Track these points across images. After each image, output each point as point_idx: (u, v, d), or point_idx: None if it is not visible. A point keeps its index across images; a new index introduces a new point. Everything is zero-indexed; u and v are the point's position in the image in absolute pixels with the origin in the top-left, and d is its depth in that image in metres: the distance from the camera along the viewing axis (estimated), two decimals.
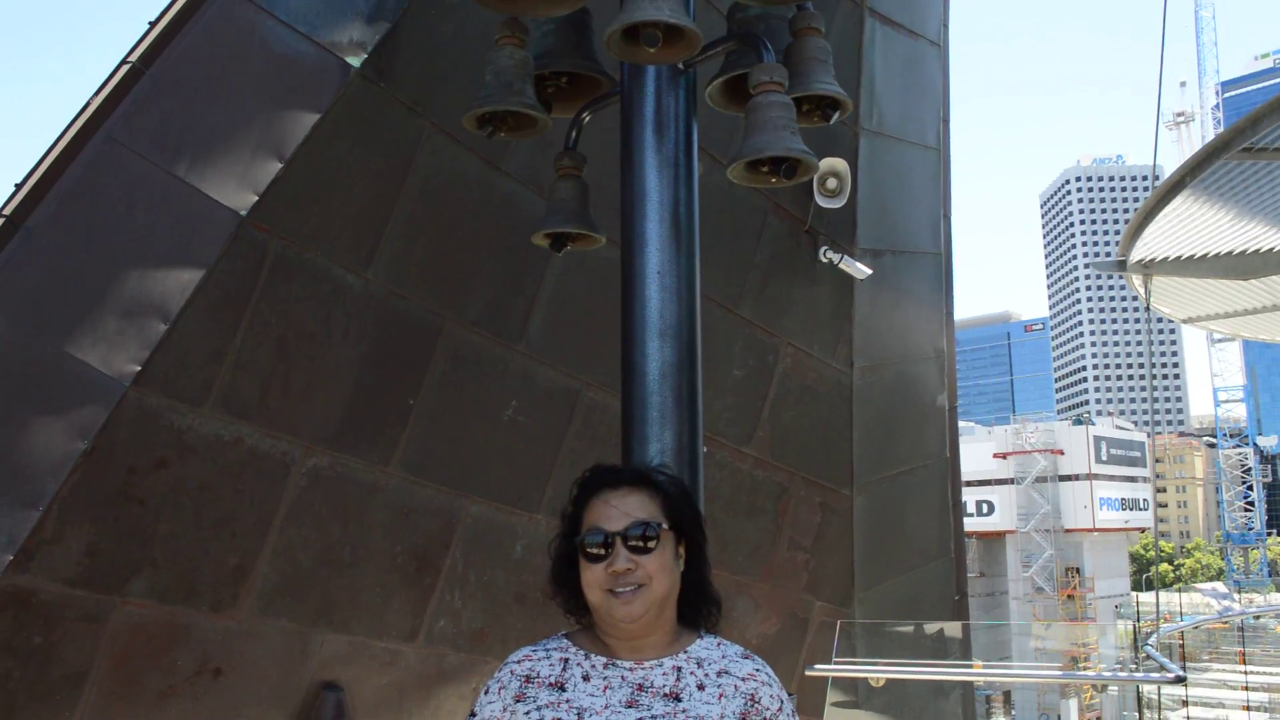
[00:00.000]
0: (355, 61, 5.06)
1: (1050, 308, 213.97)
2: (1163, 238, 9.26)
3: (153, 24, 4.59)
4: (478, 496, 5.89)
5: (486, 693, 2.23)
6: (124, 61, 4.55)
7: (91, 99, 4.53)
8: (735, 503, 7.38)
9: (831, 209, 7.25)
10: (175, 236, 4.67)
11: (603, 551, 2.19)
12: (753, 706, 2.17)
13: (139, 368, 4.49)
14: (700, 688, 2.15)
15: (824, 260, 7.51)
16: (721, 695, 2.15)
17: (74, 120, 4.53)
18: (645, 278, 3.26)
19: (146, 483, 4.64)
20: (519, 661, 2.23)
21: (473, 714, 2.23)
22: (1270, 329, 12.77)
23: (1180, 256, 9.80)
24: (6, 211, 4.38)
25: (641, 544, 2.20)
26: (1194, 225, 8.96)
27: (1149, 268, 9.76)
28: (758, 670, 2.23)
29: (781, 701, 2.22)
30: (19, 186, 4.48)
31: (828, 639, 8.33)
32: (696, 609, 2.33)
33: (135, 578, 4.65)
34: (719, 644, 2.29)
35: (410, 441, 5.53)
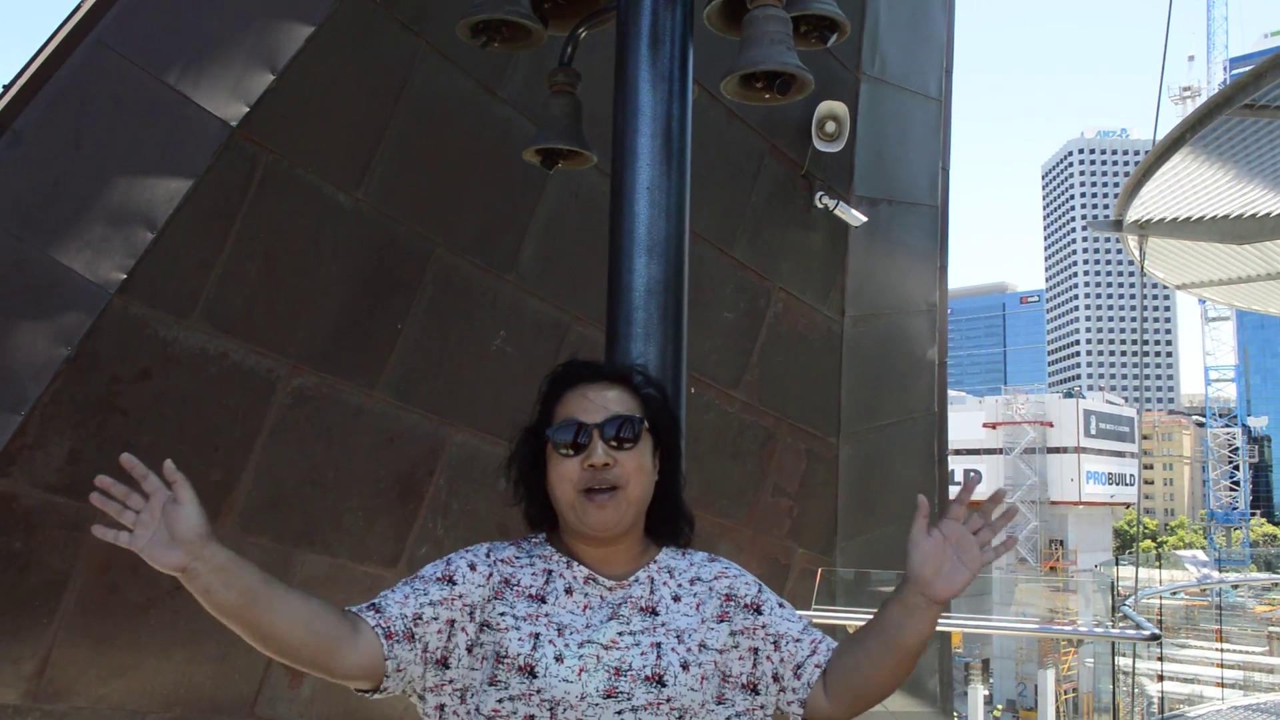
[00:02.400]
0: None
1: (1046, 280, 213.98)
2: (1160, 197, 9.21)
3: None
4: (463, 425, 5.89)
5: (468, 553, 2.08)
6: None
7: (82, 2, 4.46)
8: (721, 446, 7.40)
9: (829, 154, 7.20)
10: (164, 145, 4.62)
11: (573, 451, 2.03)
12: (729, 603, 2.09)
13: (124, 276, 4.46)
14: (676, 599, 2.06)
15: (819, 206, 7.47)
16: (698, 604, 2.07)
17: (64, 23, 4.46)
18: (635, 193, 3.23)
19: (130, 392, 4.62)
20: (504, 561, 2.08)
21: (449, 562, 2.06)
22: (1264, 298, 12.76)
23: (1177, 218, 9.76)
24: None
25: (620, 440, 2.04)
26: (1192, 185, 8.91)
27: (1145, 229, 9.71)
28: (726, 568, 2.15)
29: (759, 585, 2.14)
30: (7, 88, 4.42)
31: (808, 586, 8.39)
32: (668, 524, 2.19)
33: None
34: (684, 552, 2.18)
35: (397, 366, 5.52)
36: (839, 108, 6.99)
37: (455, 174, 5.66)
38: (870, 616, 2.08)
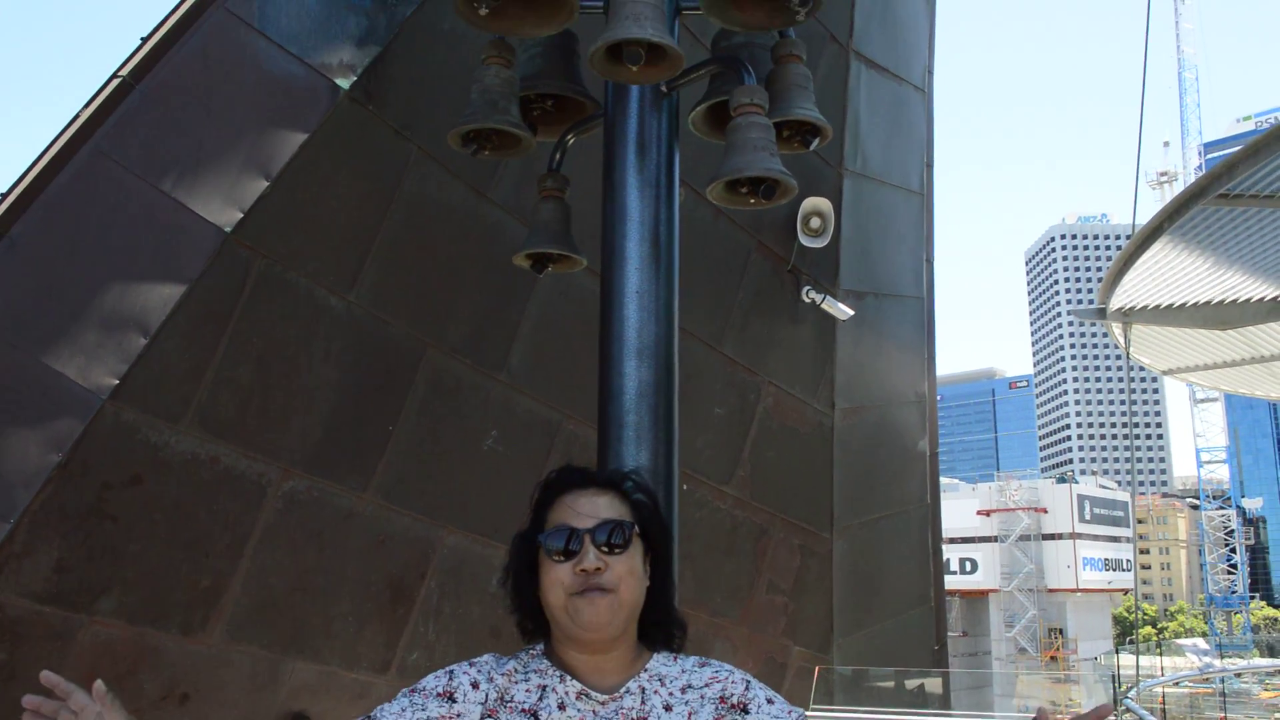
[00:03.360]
0: (345, 83, 5.11)
1: (1035, 365, 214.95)
2: (1142, 285, 9.34)
3: (145, 39, 4.63)
4: (455, 526, 5.85)
5: (472, 668, 2.08)
6: (115, 75, 4.58)
7: (81, 111, 4.55)
8: (714, 542, 7.35)
9: (815, 249, 7.30)
10: (159, 250, 4.67)
11: (565, 557, 2.06)
12: (723, 706, 2.07)
13: (117, 381, 4.47)
14: (667, 708, 2.05)
15: (806, 300, 7.55)
16: (690, 713, 2.05)
17: (63, 132, 4.54)
18: (624, 297, 3.27)
19: (120, 499, 4.60)
20: (504, 675, 2.08)
21: (451, 675, 2.07)
22: (1249, 382, 12.85)
23: (1160, 305, 9.89)
24: None
25: (611, 545, 2.07)
26: (1173, 273, 9.05)
27: (1128, 316, 9.82)
28: (717, 671, 2.14)
29: (747, 682, 2.13)
30: (4, 195, 4.48)
31: (806, 684, 8.26)
32: (660, 629, 2.20)
33: (104, 596, 4.59)
34: (675, 658, 2.17)
35: (388, 468, 5.51)
36: (823, 204, 7.12)
37: (446, 275, 5.73)
38: (870, 716, 2.08)
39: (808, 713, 8.18)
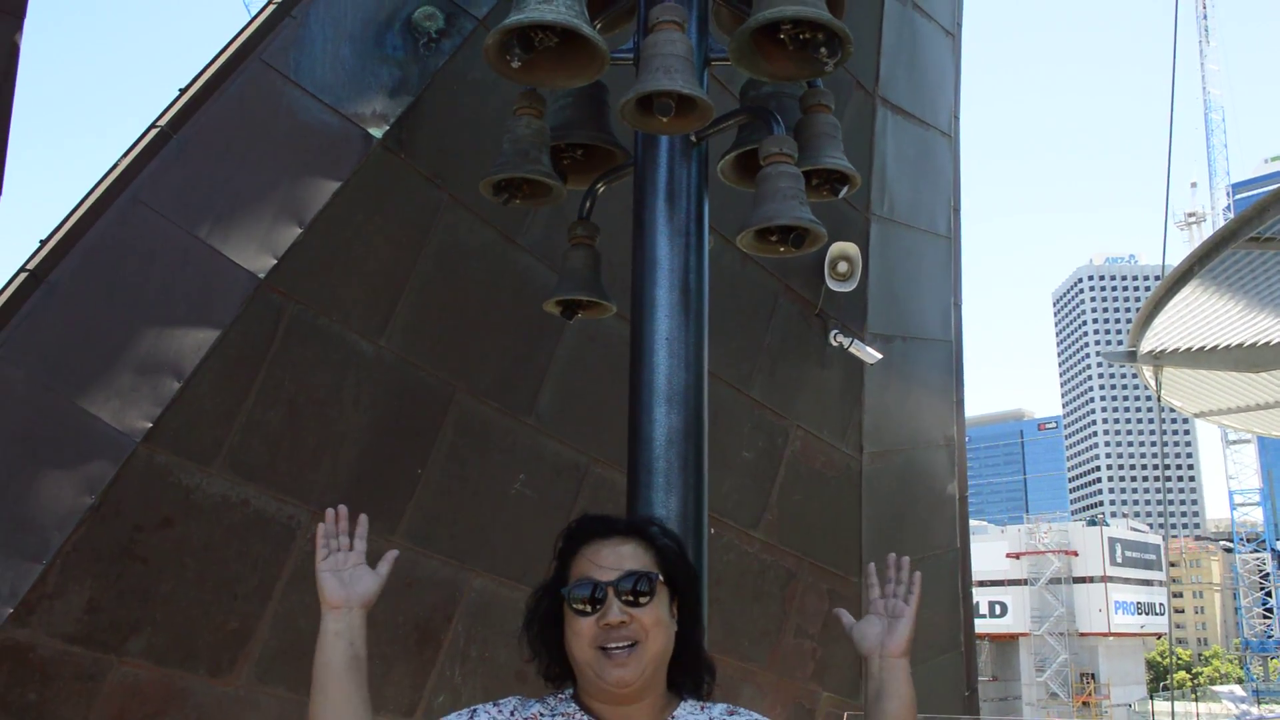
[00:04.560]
0: (377, 132, 5.19)
1: (1064, 406, 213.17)
2: (1172, 328, 9.28)
3: (182, 90, 4.73)
4: (482, 570, 5.85)
5: (493, 708, 2.11)
6: (153, 125, 4.67)
7: (120, 160, 4.64)
8: (742, 587, 7.31)
9: (842, 293, 7.31)
10: (193, 296, 4.74)
11: (591, 607, 2.03)
12: None
13: (150, 424, 4.52)
14: None
15: (834, 344, 7.55)
16: None
17: (101, 180, 4.64)
18: (654, 344, 3.29)
19: (151, 541, 4.64)
20: (529, 714, 2.08)
21: (474, 714, 2.10)
22: None
23: (1190, 348, 9.81)
24: (30, 266, 4.47)
25: (636, 596, 2.04)
26: (1203, 316, 8.99)
27: (1159, 359, 9.75)
28: (742, 718, 2.13)
29: None
30: (44, 242, 4.57)
31: None
32: (689, 675, 2.18)
33: (134, 637, 4.62)
34: (703, 707, 2.15)
35: (416, 511, 5.52)
36: (850, 248, 7.14)
37: (475, 320, 5.77)
38: None
39: None
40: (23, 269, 4.49)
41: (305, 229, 4.94)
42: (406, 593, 5.55)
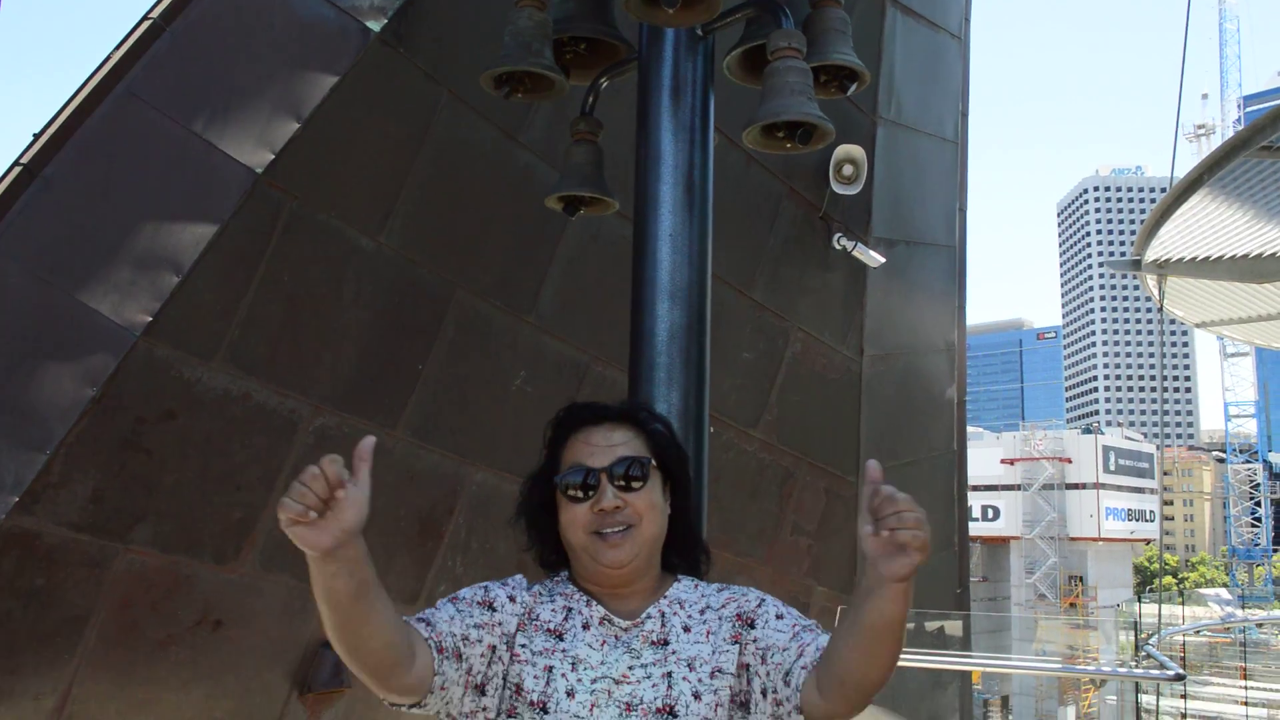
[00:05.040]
0: (375, 26, 5.08)
1: (1063, 316, 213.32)
2: (1179, 237, 9.22)
3: None
4: (482, 464, 5.91)
5: (508, 584, 2.10)
6: (146, 17, 4.57)
7: (112, 53, 4.55)
8: (740, 485, 7.39)
9: (847, 196, 7.24)
10: (190, 191, 4.69)
11: (584, 493, 2.04)
12: (739, 624, 2.05)
13: (150, 318, 4.51)
14: (686, 629, 2.05)
15: (837, 247, 7.51)
16: (709, 632, 2.05)
17: (94, 73, 4.55)
18: (657, 240, 3.26)
19: (154, 433, 4.67)
20: (532, 595, 2.09)
21: (487, 590, 2.07)
22: None
23: (1196, 258, 9.76)
24: (24, 160, 4.41)
25: (629, 481, 2.05)
26: (1210, 225, 8.92)
27: (1164, 268, 9.71)
28: (733, 592, 2.13)
29: (761, 599, 2.09)
30: (37, 136, 4.51)
31: (828, 624, 8.30)
32: (685, 557, 2.21)
33: (139, 525, 4.68)
34: (696, 585, 2.16)
35: (417, 406, 5.56)
36: (856, 151, 7.04)
37: (476, 218, 5.73)
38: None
39: None
40: (16, 163, 4.43)
41: (303, 124, 4.86)
42: (408, 486, 5.62)
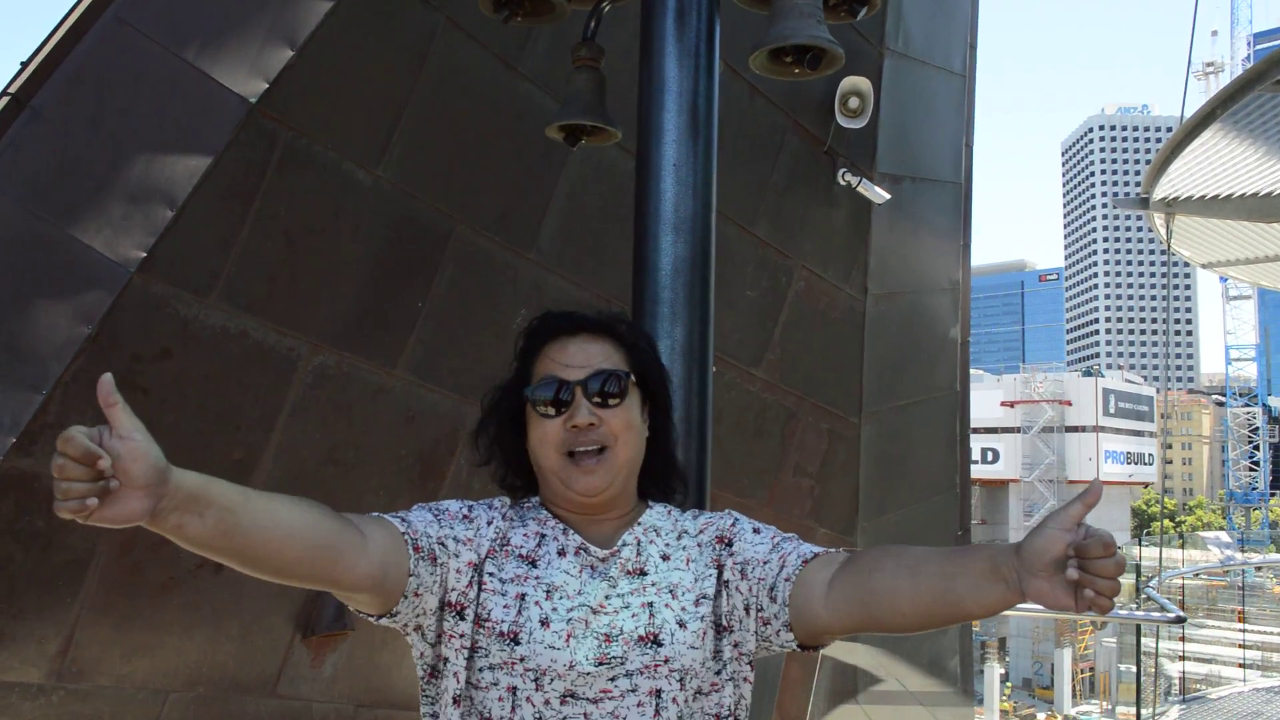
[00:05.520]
0: None
1: (1066, 258, 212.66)
2: (1188, 175, 9.07)
3: None
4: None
5: (491, 508, 1.97)
6: None
7: None
8: (742, 425, 7.35)
9: (852, 130, 7.10)
10: (183, 122, 4.58)
11: (556, 409, 1.90)
12: (718, 547, 1.94)
13: (144, 254, 4.43)
14: (664, 558, 1.93)
15: (842, 183, 7.38)
16: (689, 560, 1.93)
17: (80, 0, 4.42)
18: (661, 170, 3.18)
19: (151, 371, 4.61)
20: (505, 518, 1.95)
21: (470, 508, 1.96)
22: None
23: (1204, 196, 9.63)
24: (12, 90, 4.30)
25: (605, 397, 1.91)
26: (1220, 162, 8.78)
27: (1172, 206, 9.58)
28: (709, 517, 2.01)
29: (735, 519, 1.99)
30: (25, 65, 4.39)
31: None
32: (660, 484, 2.07)
33: None
34: (669, 510, 2.04)
35: (417, 344, 5.49)
36: (862, 83, 6.90)
37: (475, 151, 5.61)
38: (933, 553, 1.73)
39: None
40: (4, 92, 4.32)
41: (297, 52, 4.73)
42: (409, 426, 5.57)
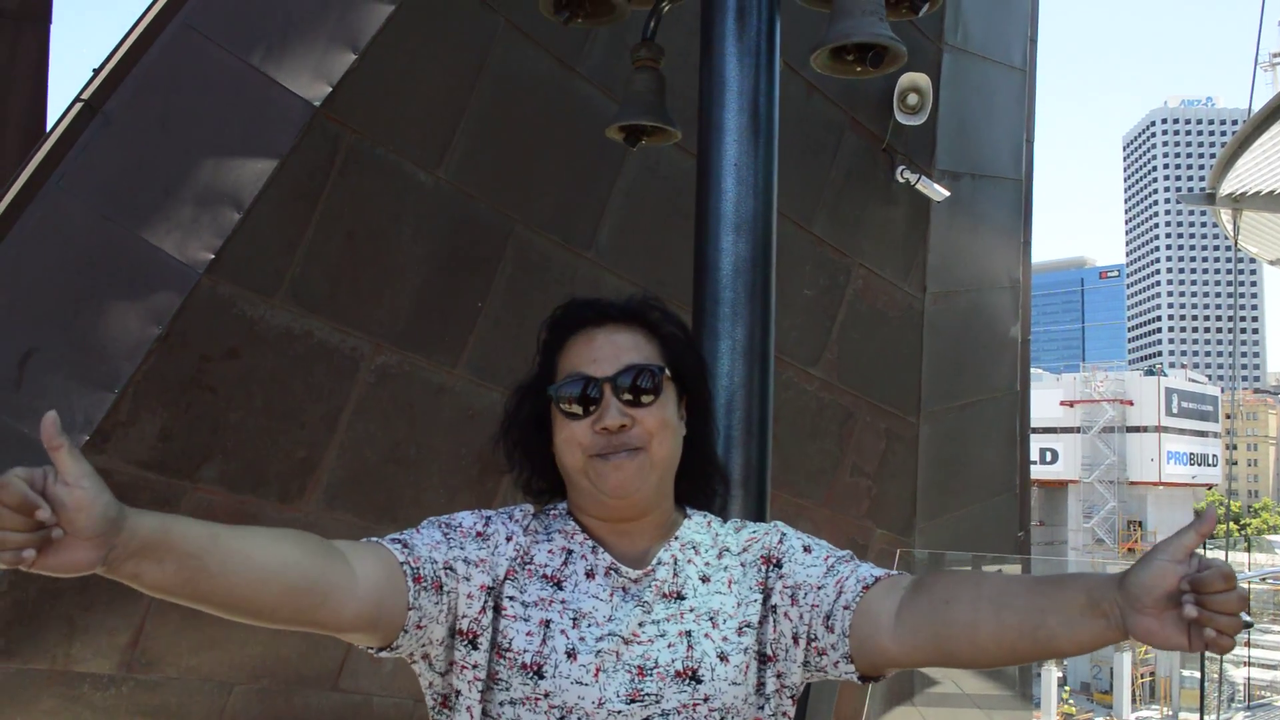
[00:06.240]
0: None
1: (1127, 254, 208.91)
2: (1256, 170, 8.84)
3: None
4: None
5: (509, 522, 1.75)
6: None
7: None
8: (799, 424, 7.32)
9: (910, 126, 7.04)
10: (249, 125, 4.67)
11: (584, 409, 1.69)
12: (765, 568, 1.74)
13: (212, 256, 4.52)
14: (704, 579, 1.73)
15: (900, 180, 7.32)
16: (730, 581, 1.73)
17: (151, 6, 4.52)
18: (721, 170, 3.17)
19: (218, 371, 4.70)
20: (527, 532, 1.75)
21: (488, 522, 1.74)
22: None
23: (1274, 191, 9.40)
24: (85, 96, 4.41)
25: (637, 395, 1.70)
26: None
27: (1239, 202, 9.35)
28: (753, 532, 1.81)
29: (783, 534, 1.78)
30: (97, 72, 4.50)
31: (886, 567, 8.29)
32: (699, 485, 1.87)
33: (206, 464, 4.74)
34: (708, 521, 1.84)
35: (477, 344, 5.54)
36: (921, 79, 6.83)
37: (534, 151, 5.65)
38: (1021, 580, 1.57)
39: None
40: (78, 99, 4.43)
41: (359, 56, 4.80)
42: (469, 425, 5.62)
